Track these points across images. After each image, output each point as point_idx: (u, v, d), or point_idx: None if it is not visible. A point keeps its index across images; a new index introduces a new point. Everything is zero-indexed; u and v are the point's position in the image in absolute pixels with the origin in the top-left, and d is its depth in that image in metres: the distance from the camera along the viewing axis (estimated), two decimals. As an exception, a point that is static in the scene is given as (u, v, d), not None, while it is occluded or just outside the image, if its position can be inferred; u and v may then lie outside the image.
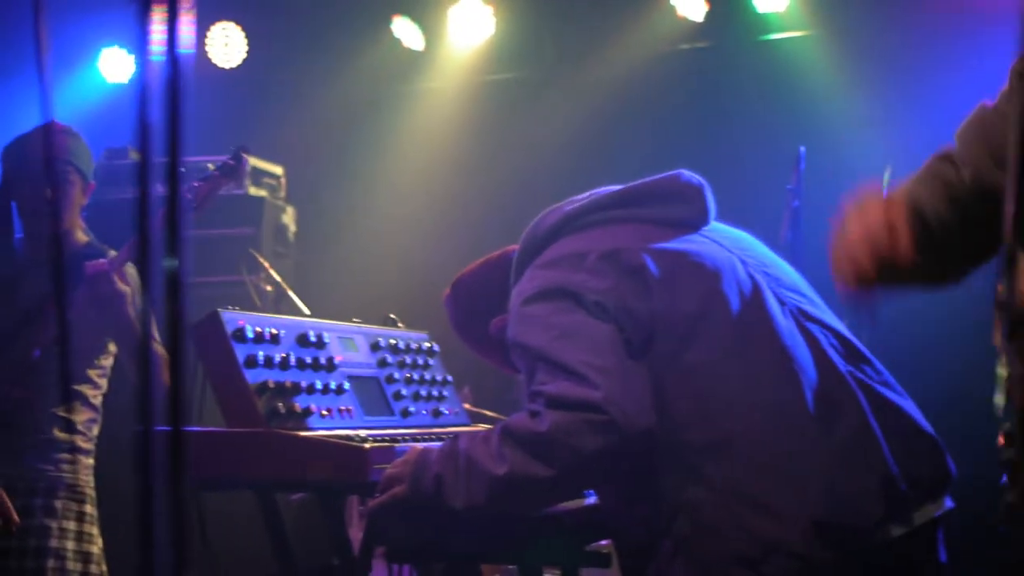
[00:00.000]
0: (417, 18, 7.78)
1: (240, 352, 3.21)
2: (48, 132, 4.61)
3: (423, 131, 8.02)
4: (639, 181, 3.11)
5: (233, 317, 3.26)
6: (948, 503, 2.84)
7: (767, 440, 2.72)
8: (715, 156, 6.19)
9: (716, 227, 3.11)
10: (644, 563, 2.85)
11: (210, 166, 4.34)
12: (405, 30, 7.79)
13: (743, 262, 2.98)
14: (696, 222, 3.08)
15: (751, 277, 2.93)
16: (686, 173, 3.10)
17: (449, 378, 4.06)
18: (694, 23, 7.29)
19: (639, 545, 2.88)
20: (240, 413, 3.16)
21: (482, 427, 4.01)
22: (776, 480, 2.69)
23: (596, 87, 7.36)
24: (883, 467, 2.71)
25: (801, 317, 2.92)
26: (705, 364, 2.78)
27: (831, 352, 2.86)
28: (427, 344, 4.06)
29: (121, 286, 4.28)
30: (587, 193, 3.15)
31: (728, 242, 3.05)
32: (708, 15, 7.25)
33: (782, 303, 2.92)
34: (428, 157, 7.96)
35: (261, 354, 3.24)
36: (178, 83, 1.26)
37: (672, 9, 7.27)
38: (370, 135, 8.05)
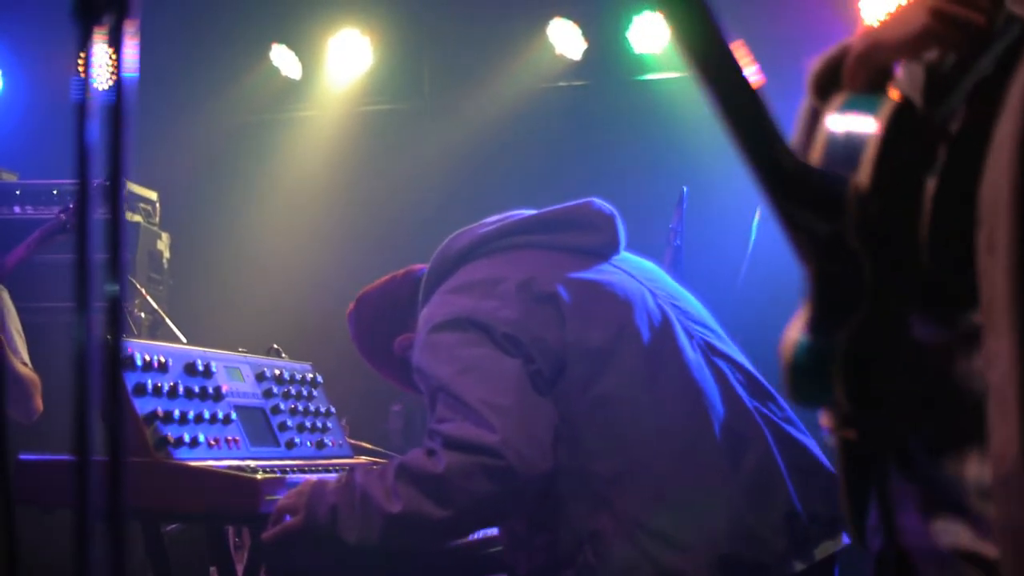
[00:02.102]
0: (296, 47, 7.74)
1: (128, 380, 3.15)
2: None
3: (301, 159, 7.98)
4: (551, 208, 3.11)
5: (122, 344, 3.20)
6: (845, 539, 2.86)
7: (674, 472, 2.74)
8: (595, 192, 6.20)
9: (626, 257, 3.13)
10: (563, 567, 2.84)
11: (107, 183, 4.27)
12: (283, 58, 7.75)
13: (653, 293, 3.00)
14: (607, 251, 3.08)
15: (660, 309, 2.95)
16: (597, 201, 3.11)
17: (332, 409, 4.03)
18: (572, 61, 7.35)
19: (539, 574, 2.87)
20: (127, 442, 3.10)
21: (363, 459, 4.00)
22: (682, 513, 2.70)
23: (475, 121, 7.39)
24: (787, 503, 2.75)
25: (708, 351, 2.94)
26: (615, 395, 2.79)
27: (737, 387, 2.89)
28: (310, 375, 4.03)
29: None
30: (498, 216, 3.15)
31: (638, 273, 3.06)
32: (585, 53, 7.31)
33: (691, 336, 2.94)
34: (306, 185, 7.91)
35: (149, 382, 3.18)
36: (121, 106, 1.25)
37: (551, 47, 7.33)
38: (247, 162, 7.98)
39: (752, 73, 1.42)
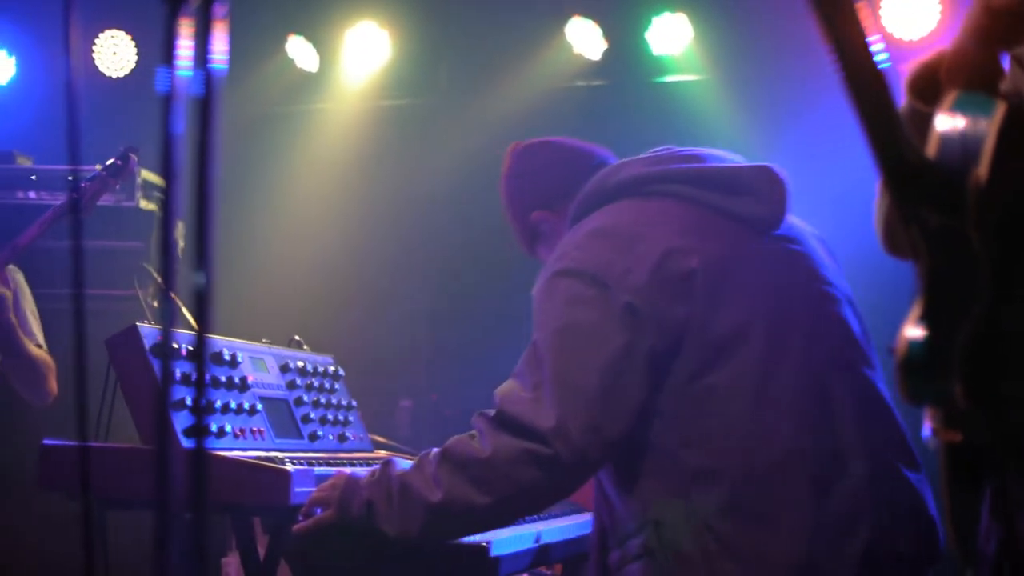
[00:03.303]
0: (313, 39, 7.72)
1: (157, 367, 3.15)
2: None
3: (317, 152, 7.96)
4: (724, 163, 2.97)
5: (151, 331, 3.20)
6: None
7: (758, 487, 2.66)
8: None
9: (789, 231, 2.96)
10: (611, 546, 2.83)
11: (97, 167, 4.28)
12: (300, 50, 7.73)
13: (802, 283, 2.88)
14: (768, 225, 2.90)
15: (802, 303, 2.85)
16: (775, 168, 2.94)
17: (354, 403, 4.04)
18: (590, 60, 7.34)
19: (611, 528, 2.86)
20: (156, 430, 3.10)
21: (382, 453, 4.00)
22: (754, 528, 2.64)
23: (491, 118, 7.37)
24: (866, 541, 2.65)
25: (838, 360, 2.82)
26: (723, 391, 2.70)
27: (853, 408, 2.77)
28: (332, 368, 4.04)
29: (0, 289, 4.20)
30: (663, 149, 3.03)
31: (794, 256, 2.91)
32: (604, 54, 7.29)
33: (824, 339, 2.82)
34: (320, 177, 7.89)
35: (177, 371, 3.18)
36: (209, 97, 1.24)
37: (569, 46, 7.31)
38: (262, 152, 7.96)
39: (883, 63, 1.42)
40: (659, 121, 7.23)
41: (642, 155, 3.03)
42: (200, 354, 1.18)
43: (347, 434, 3.88)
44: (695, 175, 2.91)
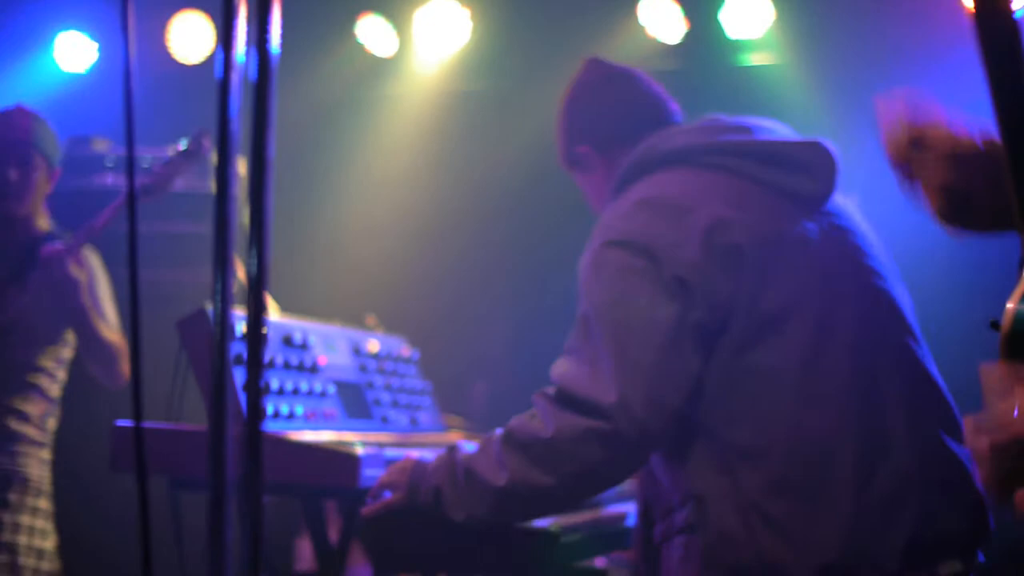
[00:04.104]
0: (386, 23, 7.72)
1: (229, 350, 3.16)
2: (15, 115, 4.57)
3: (388, 136, 7.95)
4: (774, 137, 2.94)
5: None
6: (980, 558, 2.77)
7: (805, 466, 2.63)
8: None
9: (837, 209, 2.93)
10: (656, 519, 2.82)
11: (170, 151, 4.30)
12: (372, 35, 7.73)
13: (850, 261, 2.86)
14: (817, 201, 2.87)
15: (851, 282, 2.82)
16: (825, 143, 2.91)
17: (427, 385, 4.04)
18: (665, 44, 7.28)
19: (655, 502, 2.84)
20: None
21: (455, 435, 4.00)
22: (801, 507, 2.61)
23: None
24: (913, 523, 2.63)
25: (889, 346, 2.80)
26: (770, 368, 2.67)
27: (901, 388, 2.75)
28: (405, 350, 4.04)
29: (75, 271, 4.23)
30: (710, 120, 3.03)
31: (844, 234, 2.88)
32: (680, 37, 7.22)
33: (871, 320, 2.80)
34: (393, 163, 7.89)
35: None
36: (265, 80, 1.24)
37: (642, 29, 7.26)
38: (335, 137, 7.97)
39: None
40: (735, 106, 7.15)
41: (690, 124, 3.03)
42: (255, 336, 1.18)
43: (419, 416, 3.88)
44: (744, 148, 2.88)
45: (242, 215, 5.05)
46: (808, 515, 2.60)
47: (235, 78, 1.21)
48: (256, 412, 1.18)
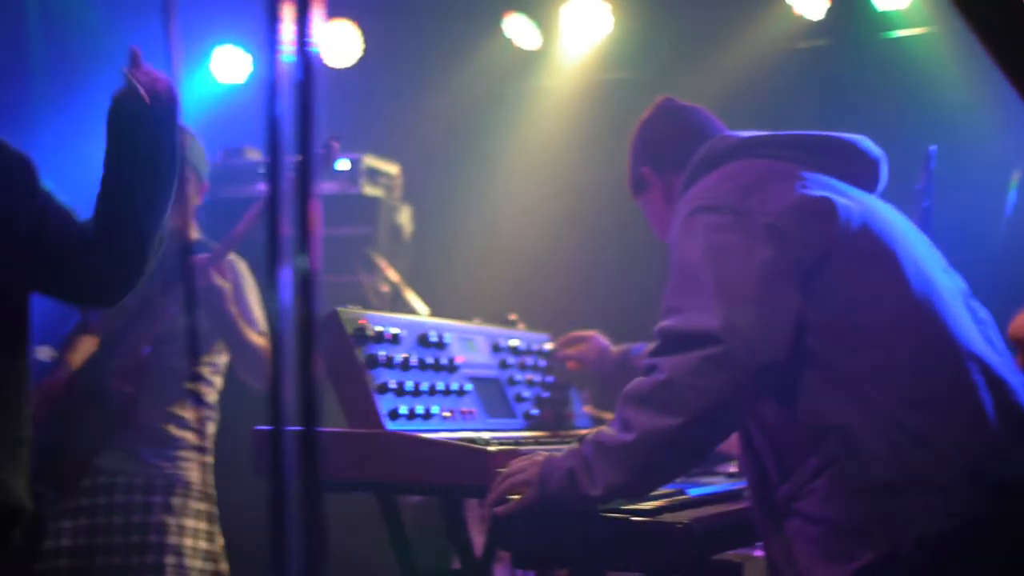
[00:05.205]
0: (532, 16, 7.74)
1: (361, 352, 3.18)
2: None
3: (538, 129, 7.96)
4: (819, 132, 3.09)
5: (353, 316, 3.23)
6: None
7: (935, 378, 2.70)
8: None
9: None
10: (778, 483, 2.79)
11: (299, 158, 4.35)
12: (519, 29, 7.75)
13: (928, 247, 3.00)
14: (874, 189, 3.10)
15: (920, 252, 2.92)
16: (864, 143, 3.11)
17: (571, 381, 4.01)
18: (812, 21, 7.16)
19: (774, 465, 2.83)
20: (361, 414, 3.13)
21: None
22: (938, 417, 2.65)
23: (712, 87, 7.24)
24: None
25: (969, 295, 2.96)
26: (881, 293, 2.78)
27: (992, 341, 2.86)
28: (548, 345, 4.02)
29: (218, 281, 4.30)
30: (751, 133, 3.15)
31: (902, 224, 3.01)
32: (827, 12, 7.10)
33: (954, 280, 2.95)
34: (544, 155, 7.90)
35: (382, 354, 3.21)
36: (309, 81, 1.23)
37: (789, 8, 7.16)
38: (485, 133, 8.02)
39: None
40: (888, 78, 7.02)
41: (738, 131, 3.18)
42: (308, 334, 1.17)
43: (564, 412, 3.86)
44: (802, 141, 3.03)
45: (397, 215, 5.13)
46: (947, 425, 2.65)
47: (284, 80, 1.20)
48: (310, 412, 1.17)
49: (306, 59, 1.20)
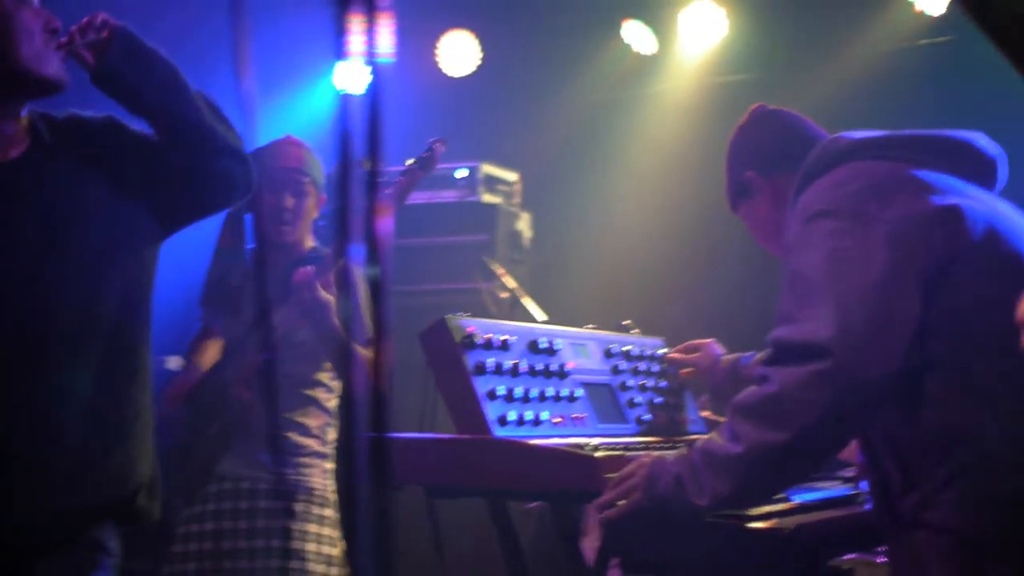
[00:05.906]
0: (648, 21, 7.73)
1: (469, 359, 3.19)
2: (287, 144, 4.75)
3: (656, 134, 7.95)
4: (934, 132, 2.99)
5: (461, 324, 3.25)
6: None
7: None
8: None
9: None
10: (903, 491, 2.73)
11: (408, 161, 4.37)
12: (635, 34, 7.75)
13: None
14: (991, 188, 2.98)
15: None
16: (981, 142, 2.99)
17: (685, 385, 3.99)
18: (932, 17, 7.06)
19: (898, 473, 2.76)
20: (469, 420, 3.15)
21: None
22: None
23: (831, 87, 7.17)
24: None
25: None
26: (1010, 295, 2.68)
27: None
28: (662, 350, 4.00)
29: (322, 294, 4.34)
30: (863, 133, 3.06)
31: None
32: (948, 7, 6.99)
33: None
34: (662, 160, 7.88)
35: (491, 361, 3.22)
36: (377, 91, 1.25)
37: (909, 5, 7.06)
38: (603, 139, 8.02)
39: None
40: (1011, 75, 6.88)
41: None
42: (379, 343, 1.19)
43: (678, 418, 3.83)
44: (918, 142, 2.93)
45: (515, 222, 5.15)
46: None
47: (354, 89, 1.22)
48: (380, 418, 1.18)
49: (375, 71, 1.22)
